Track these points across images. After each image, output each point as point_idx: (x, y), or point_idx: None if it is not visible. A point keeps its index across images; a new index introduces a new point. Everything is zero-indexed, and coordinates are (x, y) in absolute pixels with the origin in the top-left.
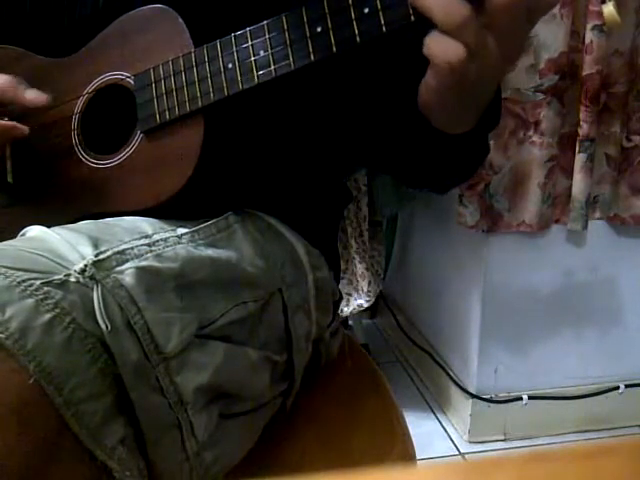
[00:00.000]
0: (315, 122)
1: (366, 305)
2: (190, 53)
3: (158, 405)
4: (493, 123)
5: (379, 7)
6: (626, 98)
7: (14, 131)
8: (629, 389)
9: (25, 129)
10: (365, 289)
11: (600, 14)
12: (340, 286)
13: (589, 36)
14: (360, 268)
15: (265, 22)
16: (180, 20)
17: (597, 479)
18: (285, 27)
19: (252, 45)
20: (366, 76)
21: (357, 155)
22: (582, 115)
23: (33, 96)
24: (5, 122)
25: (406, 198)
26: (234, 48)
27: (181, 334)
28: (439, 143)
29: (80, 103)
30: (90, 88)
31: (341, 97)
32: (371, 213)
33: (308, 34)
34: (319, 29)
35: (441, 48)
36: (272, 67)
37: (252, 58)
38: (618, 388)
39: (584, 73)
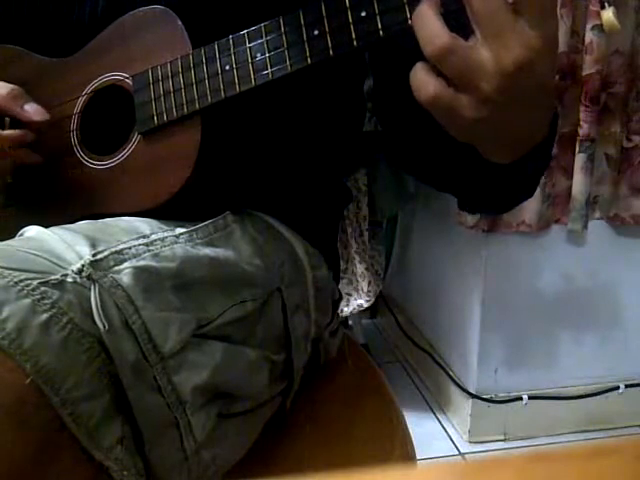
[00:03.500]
0: (314, 123)
1: (366, 305)
2: (188, 55)
3: (156, 405)
4: (540, 165)
5: (376, 11)
6: (626, 98)
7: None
8: (629, 389)
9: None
10: (365, 289)
11: (599, 15)
12: (340, 286)
13: (589, 36)
14: (360, 268)
15: (263, 24)
16: (179, 21)
17: (597, 479)
18: (282, 30)
19: (249, 47)
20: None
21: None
22: (582, 115)
23: (32, 110)
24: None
25: (406, 198)
26: (232, 50)
27: (179, 333)
28: (469, 161)
29: (79, 103)
30: (89, 89)
31: (340, 98)
32: (371, 213)
33: (305, 37)
34: (316, 32)
35: (417, 83)
36: (269, 70)
37: (249, 60)
38: (618, 388)
39: (584, 73)
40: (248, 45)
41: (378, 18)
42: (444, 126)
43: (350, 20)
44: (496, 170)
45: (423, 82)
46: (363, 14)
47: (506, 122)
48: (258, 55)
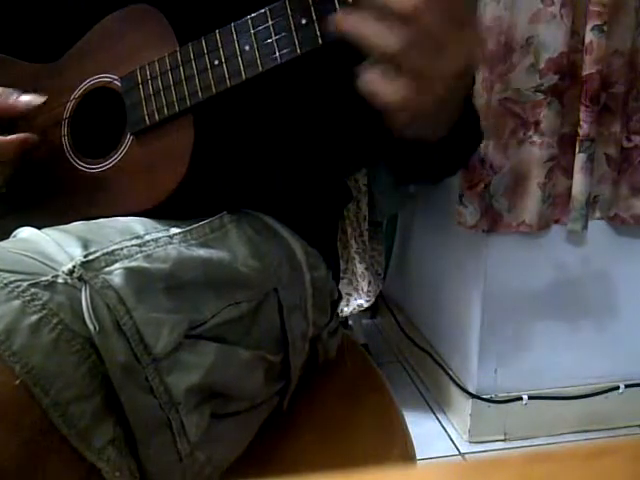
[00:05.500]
0: (311, 118)
1: (366, 305)
2: (175, 52)
3: (148, 405)
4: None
5: None
6: (626, 98)
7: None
8: (629, 389)
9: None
10: (365, 289)
11: (600, 14)
12: (340, 286)
13: (589, 36)
14: (360, 268)
15: (249, 17)
16: (164, 19)
17: (597, 479)
18: (269, 21)
19: (237, 41)
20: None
21: (354, 152)
22: (582, 115)
23: (28, 99)
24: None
25: (406, 198)
26: (219, 44)
27: (171, 334)
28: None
29: (68, 108)
30: (77, 92)
31: (335, 93)
32: (371, 213)
33: (293, 27)
34: (304, 21)
35: (381, 91)
36: (259, 62)
37: (238, 53)
38: (618, 388)
39: (584, 73)
40: (235, 38)
41: None
42: (399, 122)
43: (337, 6)
44: (425, 149)
45: (388, 89)
46: (350, 0)
47: (444, 104)
48: (246, 48)
